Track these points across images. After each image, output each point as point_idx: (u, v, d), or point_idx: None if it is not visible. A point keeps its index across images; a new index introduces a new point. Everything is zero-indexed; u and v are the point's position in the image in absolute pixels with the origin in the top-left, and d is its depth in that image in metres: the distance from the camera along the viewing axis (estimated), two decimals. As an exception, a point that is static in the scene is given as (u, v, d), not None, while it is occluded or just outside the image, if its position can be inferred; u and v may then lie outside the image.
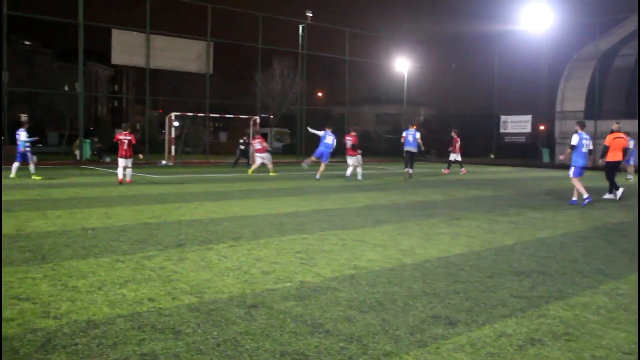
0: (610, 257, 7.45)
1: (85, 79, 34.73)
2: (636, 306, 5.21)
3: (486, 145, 45.19)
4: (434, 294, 5.47)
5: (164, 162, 30.76)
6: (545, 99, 42.12)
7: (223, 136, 62.42)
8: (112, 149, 27.77)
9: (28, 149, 18.79)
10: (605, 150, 14.94)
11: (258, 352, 3.93)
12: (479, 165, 37.63)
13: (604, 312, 5.02)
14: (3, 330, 4.23)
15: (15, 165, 18.72)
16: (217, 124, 74.34)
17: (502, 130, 43.21)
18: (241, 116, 36.64)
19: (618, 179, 15.61)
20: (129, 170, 17.60)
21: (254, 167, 23.52)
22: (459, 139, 27.07)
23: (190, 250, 7.30)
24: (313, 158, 21.42)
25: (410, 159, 22.29)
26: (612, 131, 15.47)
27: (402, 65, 47.11)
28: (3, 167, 19.39)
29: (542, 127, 43.95)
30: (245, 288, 5.56)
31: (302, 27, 41.96)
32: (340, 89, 51.62)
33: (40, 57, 69.42)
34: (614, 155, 15.08)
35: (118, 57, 33.54)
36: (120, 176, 17.25)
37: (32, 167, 18.88)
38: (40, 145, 18.68)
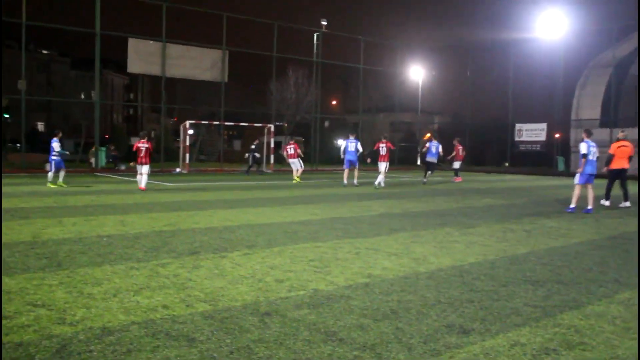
0: (626, 267, 7.39)
1: (101, 87, 35.00)
2: (652, 316, 5.17)
3: (501, 154, 45.03)
4: (447, 303, 5.46)
5: (178, 169, 30.92)
6: (561, 106, 41.84)
7: (237, 144, 62.61)
8: (127, 157, 27.99)
9: (58, 158, 19.08)
10: (610, 158, 14.99)
11: (271, 360, 3.94)
12: (493, 173, 37.47)
13: (619, 322, 4.98)
14: (20, 336, 4.27)
15: (51, 175, 19.10)
16: (231, 132, 74.61)
17: (517, 139, 43.01)
18: (255, 124, 36.78)
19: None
20: (145, 177, 18.09)
21: (297, 173, 24.19)
22: (460, 147, 27.53)
23: (205, 258, 7.33)
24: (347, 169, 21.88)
25: (431, 169, 24.84)
26: (617, 139, 15.56)
27: (417, 73, 47.09)
28: (16, 174, 19.65)
29: (557, 135, 43.68)
30: (259, 296, 5.57)
31: (317, 35, 42.06)
32: (354, 97, 51.66)
33: (57, 65, 70.25)
34: (619, 163, 15.21)
35: (134, 65, 33.78)
36: (141, 184, 17.69)
37: (61, 174, 19.19)
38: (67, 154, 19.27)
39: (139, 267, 6.75)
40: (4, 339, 4.19)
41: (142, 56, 33.50)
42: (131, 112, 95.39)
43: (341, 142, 22.27)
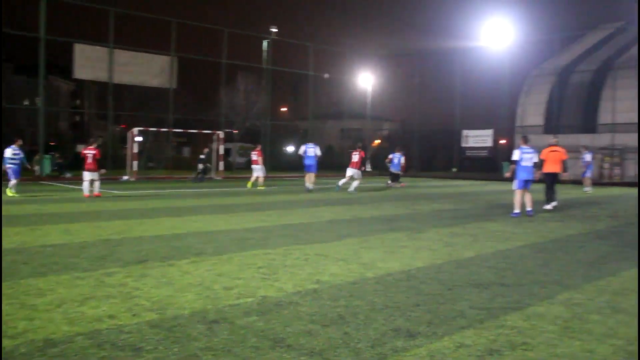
0: (567, 268, 7.62)
1: (46, 93, 34.16)
2: (591, 316, 5.35)
3: (449, 160, 45.78)
4: (395, 307, 5.53)
5: (125, 177, 30.38)
6: (506, 113, 42.94)
7: (186, 151, 61.98)
8: (73, 164, 27.38)
9: (15, 166, 18.48)
10: (540, 163, 15.55)
11: (219, 368, 3.93)
12: (441, 179, 38.06)
13: (560, 322, 5.14)
14: (-42, 350, 4.15)
15: (13, 182, 18.43)
16: (180, 139, 73.77)
17: (463, 145, 43.85)
18: (205, 131, 36.49)
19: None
20: (97, 183, 18.11)
21: (257, 179, 24.00)
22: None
23: (152, 267, 7.24)
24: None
25: (395, 180, 26.71)
26: (549, 145, 16.17)
27: (366, 80, 47.53)
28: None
29: (503, 141, 44.74)
30: (207, 304, 5.54)
31: (267, 42, 42.07)
32: (304, 104, 51.83)
33: (-1, 71, 68.19)
34: (551, 167, 15.92)
35: (80, 71, 33.19)
36: (86, 191, 17.61)
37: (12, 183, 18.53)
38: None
39: (85, 276, 6.62)
40: (-59, 353, 4.07)
41: (89, 62, 32.97)
42: (77, 119, 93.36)
43: (301, 148, 22.61)
